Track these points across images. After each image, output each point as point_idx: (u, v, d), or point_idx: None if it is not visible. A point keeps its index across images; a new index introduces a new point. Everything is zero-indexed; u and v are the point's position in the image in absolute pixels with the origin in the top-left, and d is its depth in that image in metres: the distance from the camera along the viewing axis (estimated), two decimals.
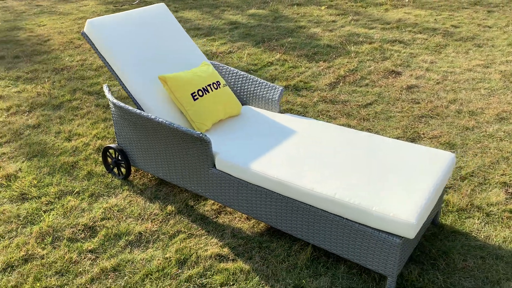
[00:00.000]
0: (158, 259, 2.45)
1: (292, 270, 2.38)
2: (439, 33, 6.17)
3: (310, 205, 2.30)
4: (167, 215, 2.80)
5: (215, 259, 2.46)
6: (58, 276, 2.35)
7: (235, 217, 2.78)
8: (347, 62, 5.22)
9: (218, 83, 2.96)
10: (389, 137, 3.66)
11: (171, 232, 2.66)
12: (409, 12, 7.24)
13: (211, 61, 3.43)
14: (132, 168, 3.22)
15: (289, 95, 4.45)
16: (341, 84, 4.69)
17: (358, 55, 5.43)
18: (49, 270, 2.38)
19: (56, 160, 3.34)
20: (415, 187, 2.25)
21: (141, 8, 3.24)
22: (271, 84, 3.18)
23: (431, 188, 2.25)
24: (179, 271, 2.38)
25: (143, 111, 2.88)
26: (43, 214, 2.79)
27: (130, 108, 2.79)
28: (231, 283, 2.30)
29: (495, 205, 2.87)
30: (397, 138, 3.67)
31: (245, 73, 3.29)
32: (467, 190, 3.01)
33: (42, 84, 4.70)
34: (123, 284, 2.30)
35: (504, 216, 2.78)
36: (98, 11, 7.66)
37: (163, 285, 2.28)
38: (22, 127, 3.83)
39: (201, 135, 2.53)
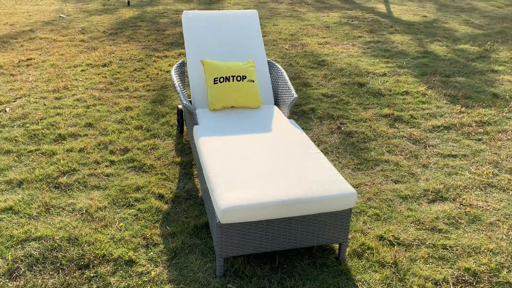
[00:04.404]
0: (131, 180, 3.37)
1: (185, 226, 2.90)
2: None
3: (207, 178, 2.77)
4: (172, 162, 3.66)
5: (155, 195, 3.21)
6: (81, 164, 3.58)
7: None
8: (489, 114, 4.60)
9: (244, 77, 3.55)
10: (421, 187, 3.42)
11: (159, 172, 3.52)
12: None
13: (271, 61, 3.95)
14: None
15: (382, 122, 4.41)
16: (450, 130, 4.29)
17: None
18: (81, 160, 3.63)
19: (160, 109, 4.60)
20: (274, 190, 2.42)
21: (235, 10, 4.06)
22: (292, 91, 3.53)
23: (280, 198, 2.39)
24: (128, 191, 3.25)
25: (189, 84, 3.76)
26: (115, 132, 4.08)
27: (173, 76, 3.71)
28: (143, 211, 3.03)
29: (425, 280, 2.52)
30: (425, 190, 3.35)
31: (287, 79, 3.71)
32: (415, 255, 2.70)
33: None
34: (101, 184, 3.34)
35: None
36: (329, 22, 8.61)
37: (112, 193, 3.21)
38: (171, 84, 5.27)
39: (186, 103, 3.26)
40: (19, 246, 2.69)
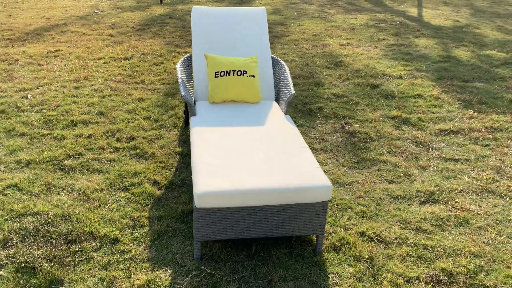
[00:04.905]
0: (130, 166, 3.53)
1: (172, 211, 3.03)
2: None
3: (192, 164, 2.87)
4: (172, 152, 3.79)
5: (150, 181, 3.35)
6: (87, 149, 3.77)
7: None
8: (502, 120, 4.48)
9: (245, 72, 3.63)
10: (414, 188, 3.43)
11: (159, 160, 3.66)
12: None
13: (276, 57, 4.02)
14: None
15: (389, 123, 4.39)
16: (458, 135, 4.22)
17: None
18: (88, 145, 3.83)
19: (170, 101, 4.75)
20: (252, 179, 2.50)
21: (243, 7, 4.15)
22: (291, 88, 3.59)
23: (255, 187, 2.46)
24: (126, 176, 3.40)
25: (191, 74, 3.89)
26: (124, 121, 4.26)
27: (178, 71, 3.84)
28: (136, 195, 3.17)
29: (398, 276, 2.53)
30: (417, 192, 3.33)
31: (289, 76, 3.77)
32: (393, 252, 2.71)
33: None
34: (103, 168, 3.51)
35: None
36: (356, 24, 8.56)
37: (111, 177, 3.37)
38: None
39: (184, 95, 3.38)
40: (17, 219, 2.89)
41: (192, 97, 3.84)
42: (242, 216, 2.57)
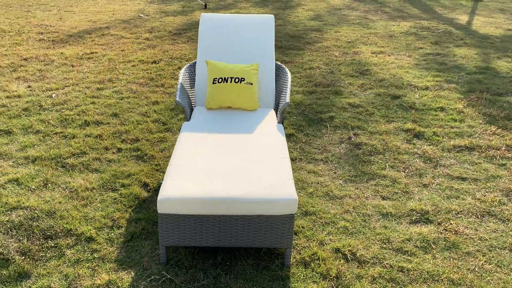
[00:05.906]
0: (126, 167, 3.63)
1: (152, 214, 3.08)
2: None
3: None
4: (171, 155, 3.85)
5: (140, 183, 3.43)
6: (92, 148, 3.93)
7: None
8: None
9: (242, 79, 3.62)
10: (408, 206, 3.26)
11: (156, 163, 3.74)
12: None
13: (281, 65, 3.97)
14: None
15: (400, 137, 4.20)
16: (473, 152, 3.95)
17: None
18: (94, 144, 3.99)
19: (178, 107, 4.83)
20: (218, 187, 2.49)
21: (252, 15, 4.14)
22: (287, 96, 3.54)
23: (215, 196, 2.45)
24: (120, 176, 3.50)
25: (195, 80, 3.93)
26: (133, 123, 4.39)
27: (181, 76, 3.89)
28: (123, 196, 3.26)
29: None
30: (411, 210, 3.16)
31: (288, 84, 3.71)
32: (365, 272, 2.59)
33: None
34: (101, 168, 3.64)
35: None
36: (395, 32, 8.28)
37: (106, 177, 3.48)
38: None
39: (177, 100, 3.44)
40: (8, 212, 3.07)
41: (193, 103, 3.90)
42: (206, 224, 2.57)
